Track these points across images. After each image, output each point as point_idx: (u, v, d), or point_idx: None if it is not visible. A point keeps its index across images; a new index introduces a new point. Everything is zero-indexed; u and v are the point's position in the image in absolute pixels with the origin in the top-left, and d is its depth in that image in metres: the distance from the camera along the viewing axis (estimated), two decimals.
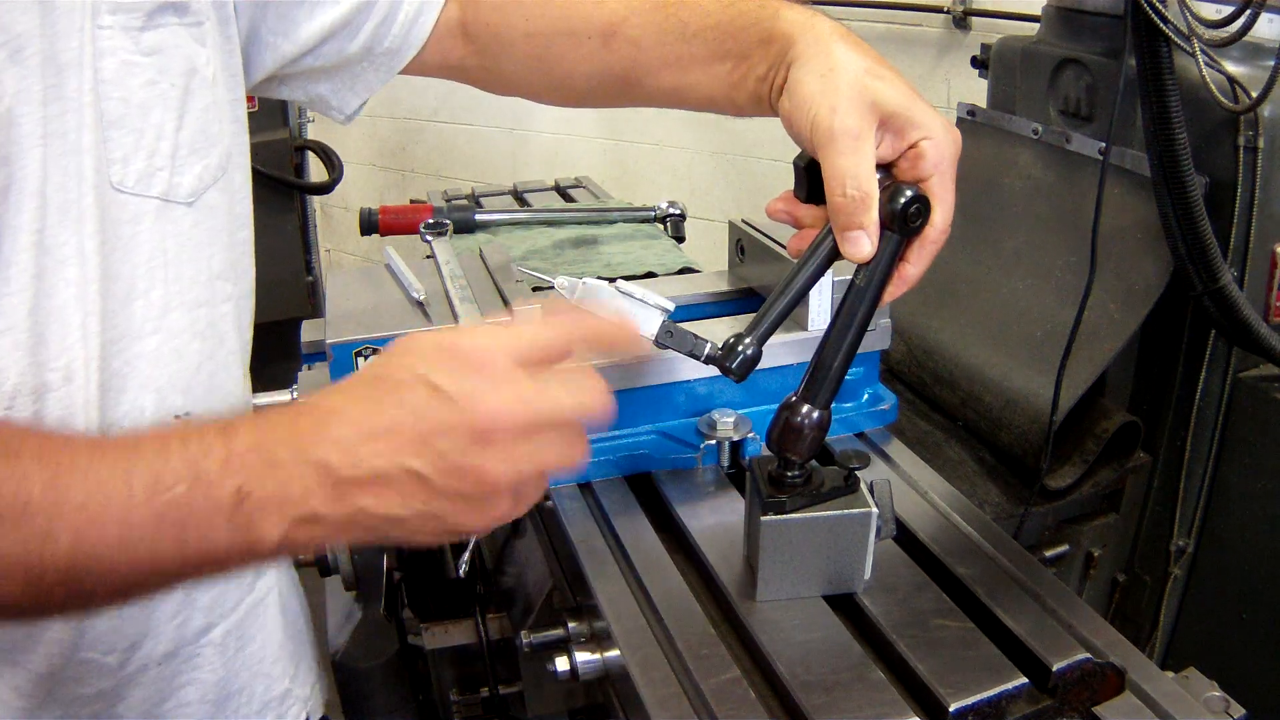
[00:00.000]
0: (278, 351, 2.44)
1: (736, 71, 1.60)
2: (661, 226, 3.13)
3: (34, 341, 1.31)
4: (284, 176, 5.30)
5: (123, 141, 1.37)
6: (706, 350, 1.49)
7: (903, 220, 1.39)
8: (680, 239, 3.09)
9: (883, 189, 1.39)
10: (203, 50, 1.49)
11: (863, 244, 1.39)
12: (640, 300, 1.49)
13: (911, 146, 1.44)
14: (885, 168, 1.44)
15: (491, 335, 1.19)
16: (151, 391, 1.42)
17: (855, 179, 1.38)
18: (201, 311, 1.50)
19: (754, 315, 1.47)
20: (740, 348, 1.44)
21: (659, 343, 1.49)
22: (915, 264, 1.48)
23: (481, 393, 1.13)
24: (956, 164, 1.46)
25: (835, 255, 1.44)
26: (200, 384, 1.50)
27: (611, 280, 1.53)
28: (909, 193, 1.38)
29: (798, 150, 1.49)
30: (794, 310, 1.53)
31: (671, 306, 1.50)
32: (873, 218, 1.39)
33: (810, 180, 1.46)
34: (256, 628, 1.71)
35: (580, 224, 3.11)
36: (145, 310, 1.41)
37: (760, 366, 1.79)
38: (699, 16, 1.64)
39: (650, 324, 1.49)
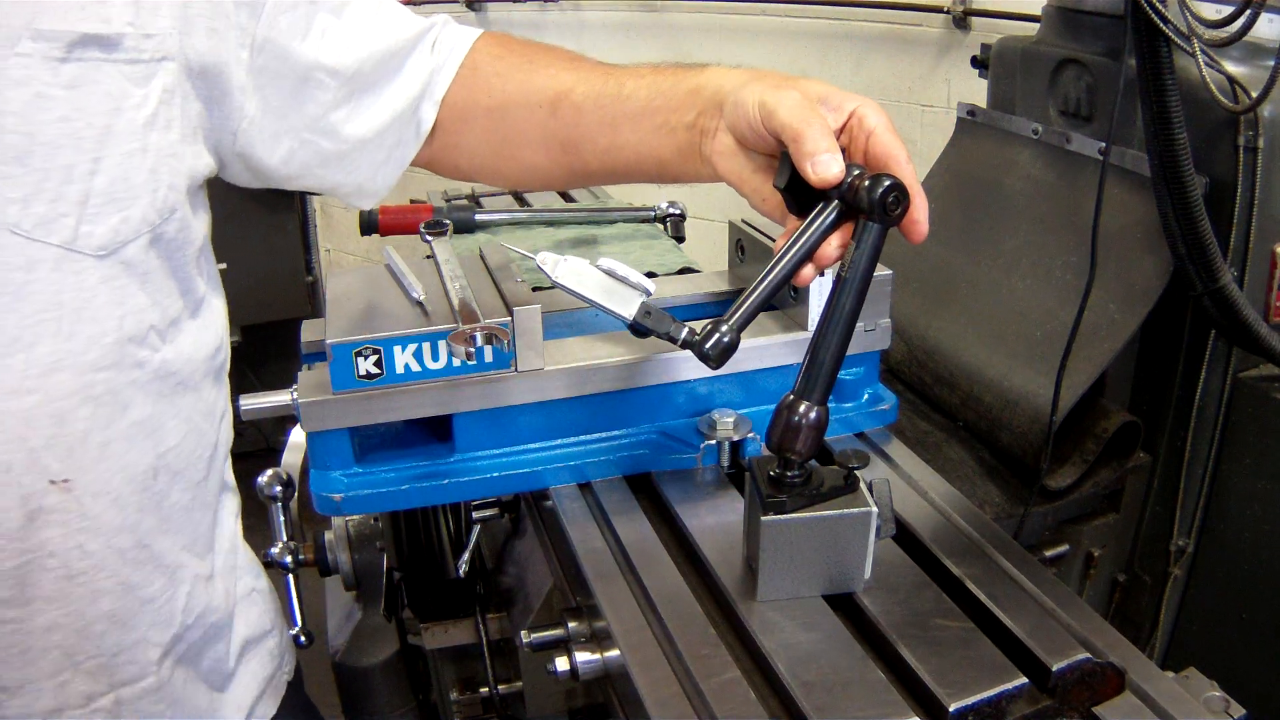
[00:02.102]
0: (278, 351, 2.45)
1: (665, 124, 1.65)
2: (662, 226, 3.14)
3: None
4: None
5: (24, 180, 1.29)
6: (684, 335, 1.49)
7: (883, 208, 1.39)
8: (680, 239, 3.09)
9: (858, 179, 1.41)
10: (137, 92, 1.39)
11: (830, 165, 1.40)
12: (621, 279, 1.49)
13: (851, 115, 1.48)
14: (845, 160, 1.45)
15: None
16: (22, 451, 1.35)
17: (807, 113, 1.43)
18: (100, 376, 1.41)
19: (735, 302, 1.47)
20: (717, 334, 1.44)
21: (637, 323, 1.49)
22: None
23: None
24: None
25: (816, 244, 1.45)
26: (88, 454, 1.41)
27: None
28: (886, 181, 1.39)
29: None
30: (786, 305, 1.53)
31: (652, 288, 1.50)
32: (832, 141, 1.42)
33: (796, 197, 1.47)
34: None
35: (580, 224, 3.12)
36: (26, 365, 1.33)
37: (760, 366, 1.80)
38: (633, 78, 1.71)
39: (629, 305, 1.49)
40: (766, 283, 1.45)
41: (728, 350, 1.45)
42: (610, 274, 1.49)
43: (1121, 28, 2.20)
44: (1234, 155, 2.26)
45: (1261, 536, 2.44)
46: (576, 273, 1.49)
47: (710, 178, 1.63)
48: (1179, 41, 2.10)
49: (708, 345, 1.44)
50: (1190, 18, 2.09)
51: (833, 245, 1.46)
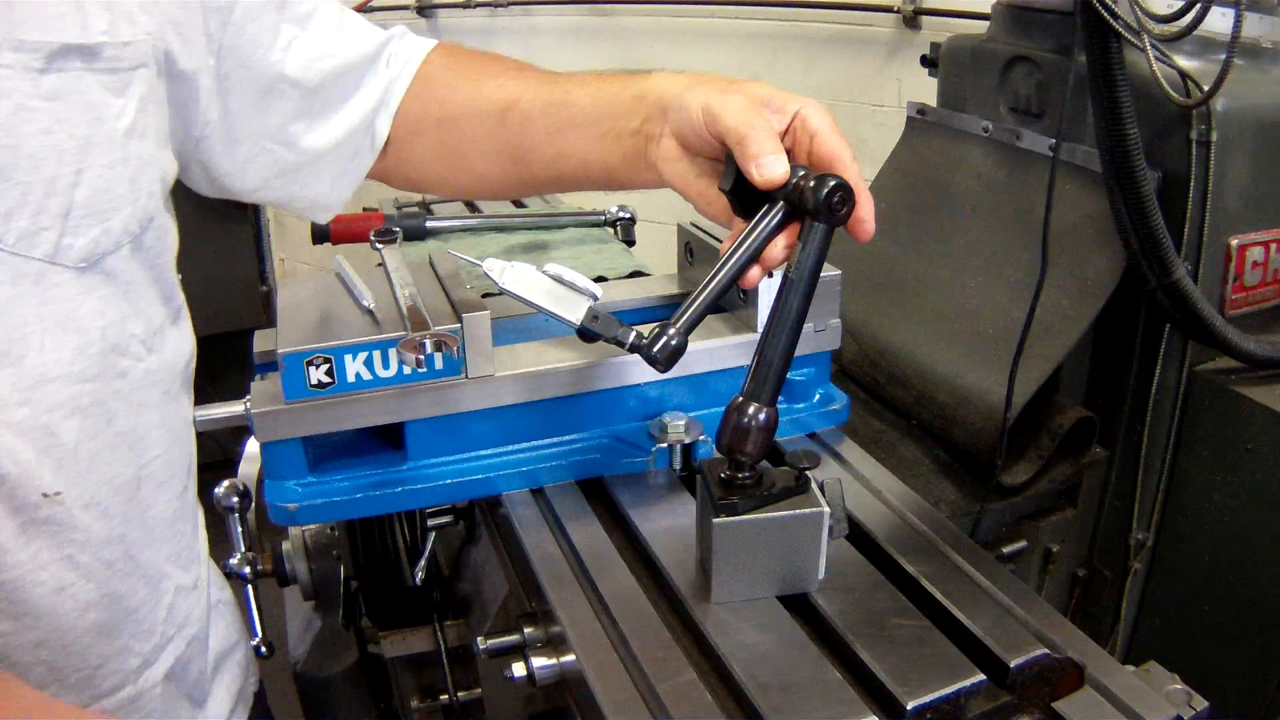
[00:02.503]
0: (233, 362, 2.43)
1: (611, 130, 1.66)
2: (612, 230, 3.16)
3: None
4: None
5: (7, 195, 1.27)
6: (631, 339, 1.51)
7: (828, 208, 1.40)
8: (630, 243, 3.11)
9: (803, 180, 1.42)
10: (116, 101, 1.39)
11: (775, 166, 1.42)
12: (568, 285, 1.50)
13: (795, 116, 1.49)
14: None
15: None
16: (15, 465, 1.34)
17: (751, 115, 1.44)
18: (87, 387, 1.41)
19: (682, 305, 1.48)
20: (664, 337, 1.46)
21: (584, 328, 1.50)
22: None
23: None
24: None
25: (762, 246, 1.46)
26: (78, 465, 1.41)
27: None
28: (831, 181, 1.39)
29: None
30: (734, 307, 1.53)
31: (599, 293, 1.51)
32: (776, 143, 1.43)
33: (742, 199, 1.48)
34: None
35: (531, 229, 3.12)
36: (15, 379, 1.32)
37: (710, 369, 1.80)
38: (579, 86, 1.72)
39: (576, 310, 1.50)
40: (713, 285, 1.46)
41: (675, 353, 1.46)
42: (557, 279, 1.50)
43: (1071, 24, 2.21)
44: (1187, 149, 2.28)
45: (1221, 527, 2.45)
46: (523, 279, 1.50)
47: (657, 183, 1.64)
48: (1129, 37, 2.11)
49: (655, 349, 1.46)
50: (1140, 13, 2.10)
51: (779, 246, 1.47)
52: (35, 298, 1.32)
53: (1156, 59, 2.19)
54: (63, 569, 1.41)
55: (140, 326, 1.47)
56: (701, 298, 1.46)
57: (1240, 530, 2.42)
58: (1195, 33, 2.09)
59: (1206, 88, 2.17)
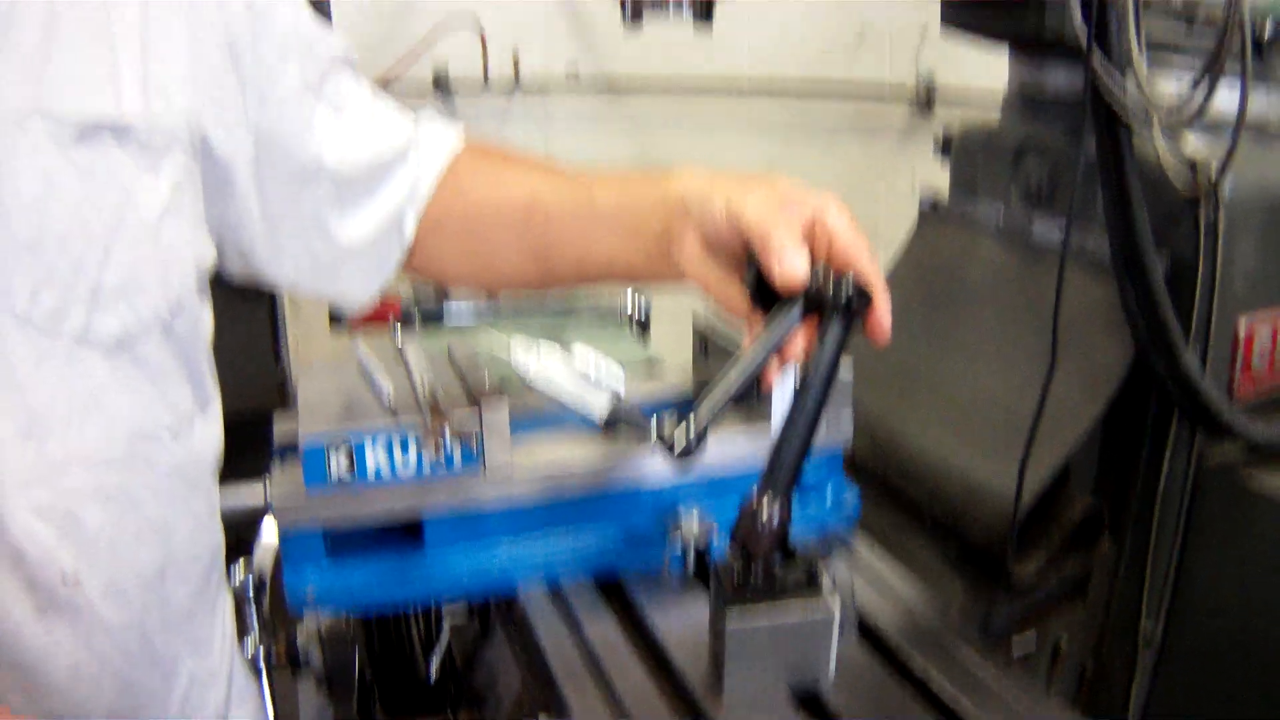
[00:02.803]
0: (247, 442, 2.44)
1: (635, 231, 1.67)
2: (627, 320, 3.15)
3: None
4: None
5: (34, 270, 1.26)
6: (652, 431, 1.51)
7: (846, 306, 1.42)
8: (645, 332, 3.11)
9: (822, 277, 1.43)
10: (149, 181, 1.37)
11: (796, 264, 1.43)
12: (593, 378, 1.52)
13: (815, 213, 1.50)
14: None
15: None
16: (34, 545, 1.32)
17: (772, 213, 1.47)
18: (112, 473, 1.39)
19: (703, 393, 1.49)
20: (684, 430, 1.46)
21: (607, 422, 1.51)
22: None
23: None
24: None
25: (781, 341, 1.47)
26: (100, 550, 1.38)
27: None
28: (850, 280, 1.42)
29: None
30: (749, 404, 1.55)
31: (622, 386, 1.53)
32: (797, 240, 1.45)
33: (763, 296, 1.49)
34: None
35: (547, 318, 3.13)
36: (37, 460, 1.31)
37: (724, 465, 1.82)
38: (603, 186, 1.73)
39: (600, 402, 1.51)
40: (733, 379, 1.47)
41: (696, 445, 1.46)
42: (581, 372, 1.52)
43: (1081, 110, 2.22)
44: (1195, 233, 2.27)
45: (1231, 615, 2.44)
46: (548, 371, 1.52)
47: (679, 280, 1.65)
48: (1136, 122, 2.13)
49: (675, 441, 1.46)
50: (1147, 99, 2.12)
51: (798, 343, 1.48)
52: (63, 378, 1.31)
53: (1164, 144, 2.20)
54: (80, 652, 1.40)
55: (169, 415, 1.45)
56: (721, 392, 1.46)
57: (1251, 617, 2.40)
58: (1205, 114, 2.10)
59: (1214, 170, 2.18)
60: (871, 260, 1.47)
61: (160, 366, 1.43)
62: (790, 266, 1.42)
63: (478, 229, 1.80)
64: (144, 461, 1.42)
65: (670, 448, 1.46)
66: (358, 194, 1.71)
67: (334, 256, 1.72)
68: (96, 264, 1.31)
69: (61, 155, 1.28)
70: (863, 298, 1.43)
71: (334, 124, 1.65)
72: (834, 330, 1.45)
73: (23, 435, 1.29)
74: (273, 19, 1.55)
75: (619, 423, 1.53)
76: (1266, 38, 2.42)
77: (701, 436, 1.46)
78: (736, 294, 1.54)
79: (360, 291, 1.80)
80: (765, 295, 1.48)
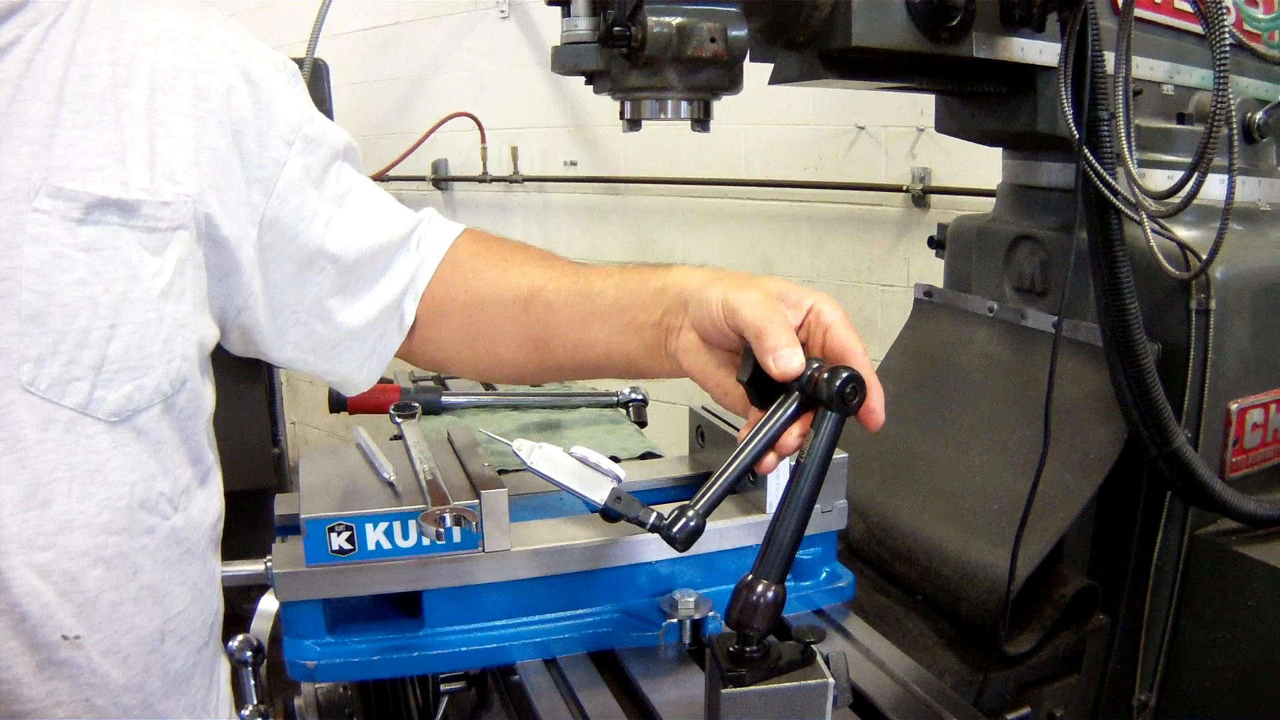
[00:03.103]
0: (243, 521, 2.46)
1: (633, 322, 1.69)
2: (624, 411, 3.20)
3: None
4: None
5: (40, 340, 1.31)
6: (652, 520, 1.53)
7: (841, 399, 1.44)
8: (642, 424, 3.14)
9: (817, 372, 1.46)
10: (153, 260, 1.42)
11: (791, 359, 1.45)
12: (593, 467, 1.54)
13: (809, 310, 1.53)
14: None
15: None
16: (36, 604, 1.35)
17: (768, 310, 1.48)
18: (112, 539, 1.42)
19: (702, 488, 1.51)
20: (684, 519, 1.48)
21: (608, 508, 1.54)
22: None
23: None
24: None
25: (777, 434, 1.50)
26: (99, 613, 1.42)
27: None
28: (844, 374, 1.44)
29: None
30: (745, 490, 1.57)
31: (622, 475, 1.55)
32: (792, 336, 1.47)
33: (759, 389, 1.52)
34: None
35: (545, 408, 3.17)
36: (41, 523, 1.34)
37: (720, 548, 1.84)
38: (602, 277, 1.75)
39: (600, 491, 1.54)
40: (731, 471, 1.49)
41: (694, 535, 1.49)
42: (583, 461, 1.54)
43: (1073, 202, 2.24)
44: (1186, 319, 2.31)
45: (1223, 684, 2.44)
46: (550, 460, 1.55)
47: (675, 373, 1.67)
48: (1128, 212, 2.16)
49: (675, 529, 1.48)
50: (1138, 191, 2.15)
51: (793, 435, 1.50)
52: (65, 446, 1.35)
53: (1155, 232, 2.23)
54: (80, 710, 1.42)
55: (168, 485, 1.49)
56: (720, 482, 1.49)
57: (1243, 685, 2.41)
58: (1196, 202, 2.12)
59: (1205, 257, 2.20)
60: (864, 354, 1.50)
61: (161, 439, 1.46)
62: (785, 362, 1.45)
63: (478, 317, 1.82)
64: (143, 529, 1.45)
65: (670, 539, 1.49)
66: (361, 280, 1.75)
67: (335, 339, 1.75)
68: (101, 338, 1.36)
69: (67, 231, 1.33)
70: (856, 391, 1.45)
71: (336, 214, 1.69)
72: (829, 422, 1.48)
73: (26, 498, 1.33)
74: (276, 110, 1.59)
75: (619, 513, 1.55)
76: (1256, 126, 2.47)
77: (699, 527, 1.49)
78: (734, 387, 1.56)
79: (359, 374, 1.83)
80: (761, 387, 1.50)
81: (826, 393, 1.45)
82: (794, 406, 1.49)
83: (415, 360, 1.92)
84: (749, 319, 1.48)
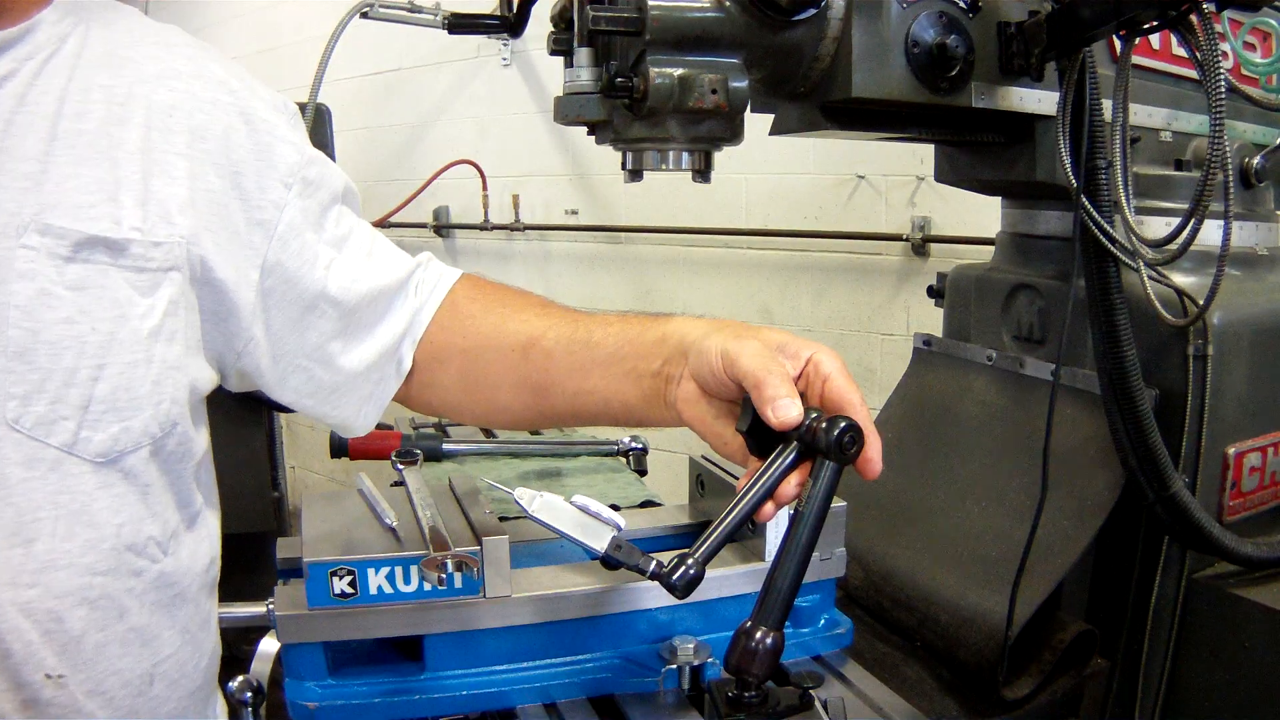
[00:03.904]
0: (242, 564, 2.45)
1: (632, 371, 1.69)
2: (624, 460, 3.21)
3: None
4: (252, 392, 5.27)
5: (26, 377, 1.32)
6: (652, 568, 1.54)
7: (839, 448, 1.45)
8: (642, 472, 3.14)
9: (815, 422, 1.47)
10: (143, 301, 1.43)
11: (790, 409, 1.46)
12: (594, 516, 1.55)
13: (808, 361, 1.54)
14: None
15: None
16: (19, 642, 1.36)
17: (767, 361, 1.49)
18: (97, 580, 1.42)
19: (701, 536, 1.51)
20: (684, 566, 1.48)
21: (608, 556, 1.54)
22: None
23: None
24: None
25: (776, 483, 1.50)
26: (83, 654, 1.42)
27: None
28: (842, 423, 1.45)
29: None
30: (743, 538, 1.58)
31: (622, 523, 1.56)
32: (791, 387, 1.48)
33: (757, 439, 1.52)
34: None
35: (545, 456, 3.18)
36: (24, 561, 1.35)
37: (719, 595, 1.85)
38: (601, 326, 1.76)
39: (600, 538, 1.55)
40: (730, 519, 1.50)
41: (694, 582, 1.49)
42: (583, 510, 1.56)
43: (1072, 250, 2.23)
44: (1184, 365, 2.30)
45: None
46: (552, 508, 1.56)
47: (674, 422, 1.67)
48: (1126, 260, 2.16)
49: (675, 577, 1.49)
50: (1135, 238, 2.16)
51: (791, 484, 1.51)
52: (51, 485, 1.36)
53: (1152, 279, 2.23)
54: None
55: (157, 529, 1.49)
56: (719, 530, 1.50)
57: None
58: (1193, 248, 2.12)
59: (1202, 303, 2.19)
60: (862, 404, 1.51)
61: (149, 482, 1.47)
62: (784, 412, 1.46)
63: (476, 363, 1.83)
64: (130, 571, 1.46)
65: (670, 586, 1.49)
66: (361, 324, 1.75)
67: (335, 383, 1.76)
68: (88, 378, 1.37)
69: (55, 268, 1.34)
70: (855, 440, 1.46)
71: (336, 259, 1.70)
72: (827, 470, 1.48)
73: (10, 536, 1.34)
74: (276, 152, 1.60)
75: (619, 560, 1.56)
76: (1253, 171, 2.48)
77: (699, 575, 1.50)
78: (732, 437, 1.57)
79: (356, 418, 1.83)
80: (760, 437, 1.51)
81: (825, 442, 1.46)
82: (793, 456, 1.50)
83: (413, 405, 1.93)
84: (748, 369, 1.49)
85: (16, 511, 1.34)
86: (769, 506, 1.52)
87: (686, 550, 1.50)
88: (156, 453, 1.47)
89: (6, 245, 1.32)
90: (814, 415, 1.48)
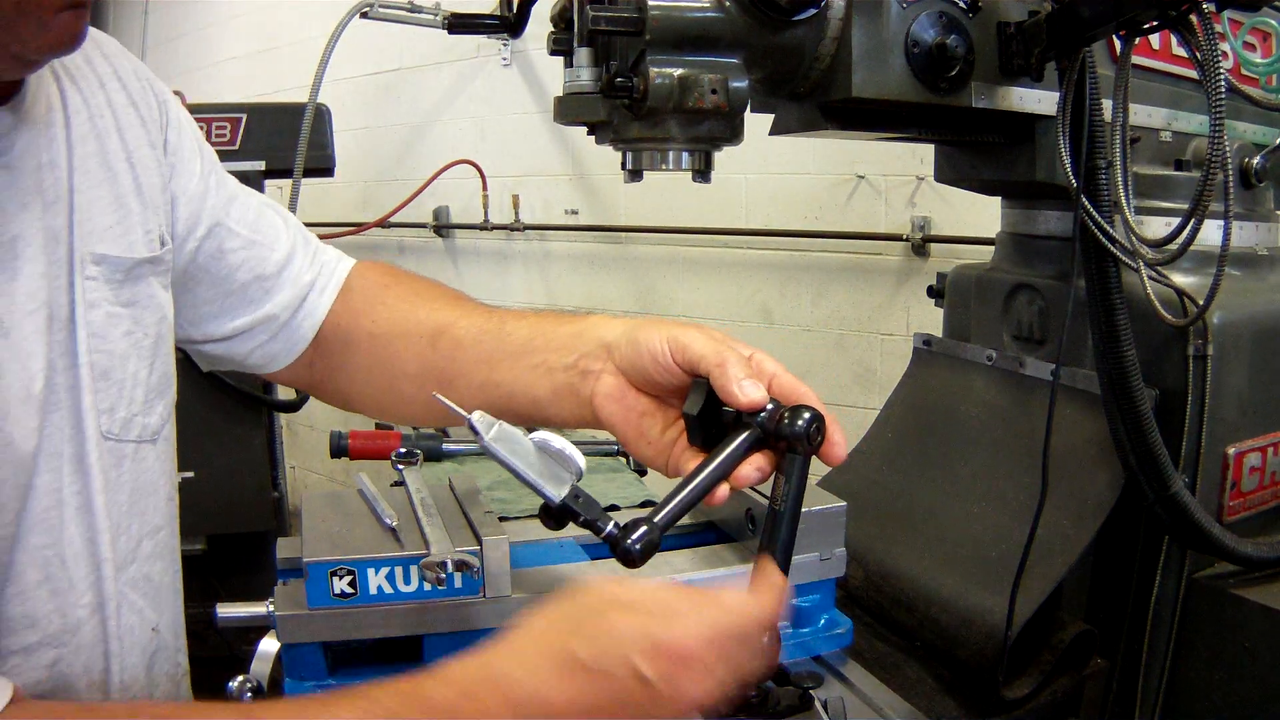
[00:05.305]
0: (242, 563, 2.46)
1: (543, 364, 1.69)
2: (624, 460, 3.20)
3: (53, 590, 1.38)
4: (253, 393, 5.32)
5: (109, 392, 1.45)
6: (609, 528, 1.44)
7: (806, 438, 1.45)
8: (642, 473, 3.12)
9: (779, 414, 1.46)
10: (168, 295, 1.60)
11: (757, 388, 1.46)
12: (555, 454, 1.46)
13: (749, 358, 1.54)
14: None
15: (699, 627, 1.27)
16: (134, 613, 1.50)
17: (720, 345, 1.51)
18: (162, 535, 1.60)
19: (658, 503, 1.46)
20: (640, 529, 1.40)
21: (565, 504, 1.45)
22: None
23: (687, 689, 1.24)
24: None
25: (734, 464, 1.47)
26: (165, 599, 1.59)
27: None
28: (807, 413, 1.45)
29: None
30: (743, 538, 1.56)
31: (583, 464, 1.48)
32: (749, 370, 1.48)
33: (704, 426, 1.52)
34: None
35: None
36: (126, 544, 1.49)
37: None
38: (515, 319, 1.78)
39: (560, 485, 1.45)
40: (685, 498, 1.45)
41: (650, 549, 1.41)
42: (543, 447, 1.47)
43: (1072, 251, 2.22)
44: (1184, 364, 2.30)
45: None
46: (509, 439, 1.44)
47: (589, 422, 1.66)
48: (1126, 260, 2.16)
49: (632, 539, 1.40)
50: (1135, 238, 2.16)
51: (751, 468, 1.48)
52: (132, 473, 1.51)
53: (1152, 279, 2.23)
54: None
55: (177, 478, 1.67)
56: (673, 507, 1.44)
57: None
58: (1193, 248, 2.12)
59: (1202, 303, 2.19)
60: (815, 395, 1.51)
61: (172, 441, 1.63)
62: (752, 392, 1.46)
63: (385, 350, 1.86)
64: (171, 518, 1.64)
65: (625, 552, 1.41)
66: (259, 294, 1.82)
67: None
68: (145, 375, 1.52)
69: (112, 291, 1.46)
70: (820, 427, 1.46)
71: (238, 244, 1.77)
72: (795, 464, 1.48)
73: (115, 528, 1.47)
74: (184, 125, 1.72)
75: (576, 513, 1.48)
76: (1253, 170, 2.47)
77: (651, 546, 1.42)
78: (658, 435, 1.58)
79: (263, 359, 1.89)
80: (708, 422, 1.51)
81: (790, 430, 1.45)
82: (752, 441, 1.48)
83: (322, 392, 1.98)
84: (704, 352, 1.50)
85: (115, 506, 1.49)
86: (724, 488, 1.48)
87: (643, 516, 1.43)
88: (173, 415, 1.63)
89: (74, 278, 1.42)
90: (772, 405, 1.47)
